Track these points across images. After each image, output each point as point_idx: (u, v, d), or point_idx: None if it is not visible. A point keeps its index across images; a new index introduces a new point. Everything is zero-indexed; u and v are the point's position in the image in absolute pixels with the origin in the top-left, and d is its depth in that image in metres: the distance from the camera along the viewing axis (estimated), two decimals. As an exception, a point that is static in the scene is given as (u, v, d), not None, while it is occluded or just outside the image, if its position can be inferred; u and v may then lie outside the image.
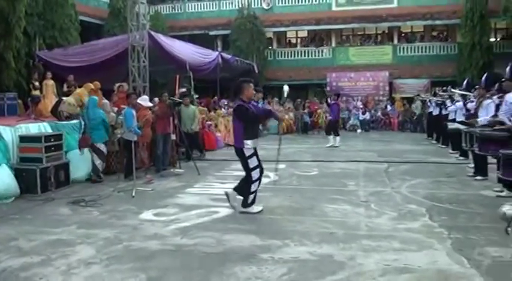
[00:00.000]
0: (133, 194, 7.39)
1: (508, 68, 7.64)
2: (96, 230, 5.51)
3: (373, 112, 22.78)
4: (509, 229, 4.47)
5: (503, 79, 7.88)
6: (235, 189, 6.35)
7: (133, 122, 8.46)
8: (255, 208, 6.30)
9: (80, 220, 6.00)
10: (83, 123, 8.97)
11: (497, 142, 7.03)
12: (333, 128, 14.87)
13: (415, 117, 21.64)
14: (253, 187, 6.20)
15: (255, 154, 6.20)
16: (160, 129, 9.47)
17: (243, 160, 6.17)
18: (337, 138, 14.57)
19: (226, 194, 6.39)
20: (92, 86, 10.80)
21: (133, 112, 8.66)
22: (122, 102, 10.37)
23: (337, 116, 15.46)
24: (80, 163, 8.77)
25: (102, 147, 8.79)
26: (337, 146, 14.30)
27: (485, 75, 7.51)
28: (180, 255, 4.65)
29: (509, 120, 7.17)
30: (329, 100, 15.33)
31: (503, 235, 5.08)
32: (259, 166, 6.23)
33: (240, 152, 6.16)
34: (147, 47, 12.39)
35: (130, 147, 8.00)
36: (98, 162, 8.72)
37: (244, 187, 6.26)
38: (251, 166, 6.13)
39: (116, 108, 10.26)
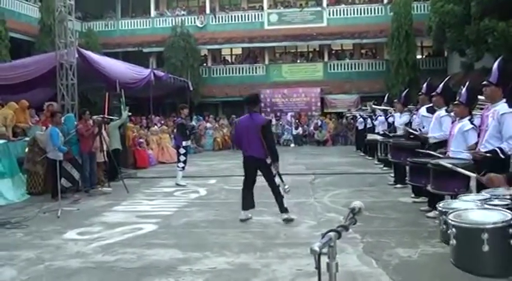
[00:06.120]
0: (59, 214, 7.26)
1: (424, 84, 8.24)
2: (19, 251, 5.42)
3: (305, 127, 23.41)
4: None
5: (419, 93, 8.47)
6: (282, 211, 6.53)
7: (59, 141, 8.36)
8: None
9: (3, 242, 5.88)
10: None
11: (408, 150, 7.58)
12: None
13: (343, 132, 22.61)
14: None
15: None
16: (85, 148, 9.34)
17: (267, 171, 6.53)
18: None
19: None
20: (16, 105, 10.56)
21: (58, 131, 8.55)
22: (50, 121, 10.19)
23: None
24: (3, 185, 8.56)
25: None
26: None
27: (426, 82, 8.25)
28: (100, 272, 4.68)
29: (419, 131, 7.76)
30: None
31: (414, 237, 5.51)
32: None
33: (263, 162, 6.50)
34: (75, 64, 12.14)
35: (56, 166, 7.90)
36: (75, 173, 9.11)
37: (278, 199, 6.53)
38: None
39: (44, 128, 10.07)
